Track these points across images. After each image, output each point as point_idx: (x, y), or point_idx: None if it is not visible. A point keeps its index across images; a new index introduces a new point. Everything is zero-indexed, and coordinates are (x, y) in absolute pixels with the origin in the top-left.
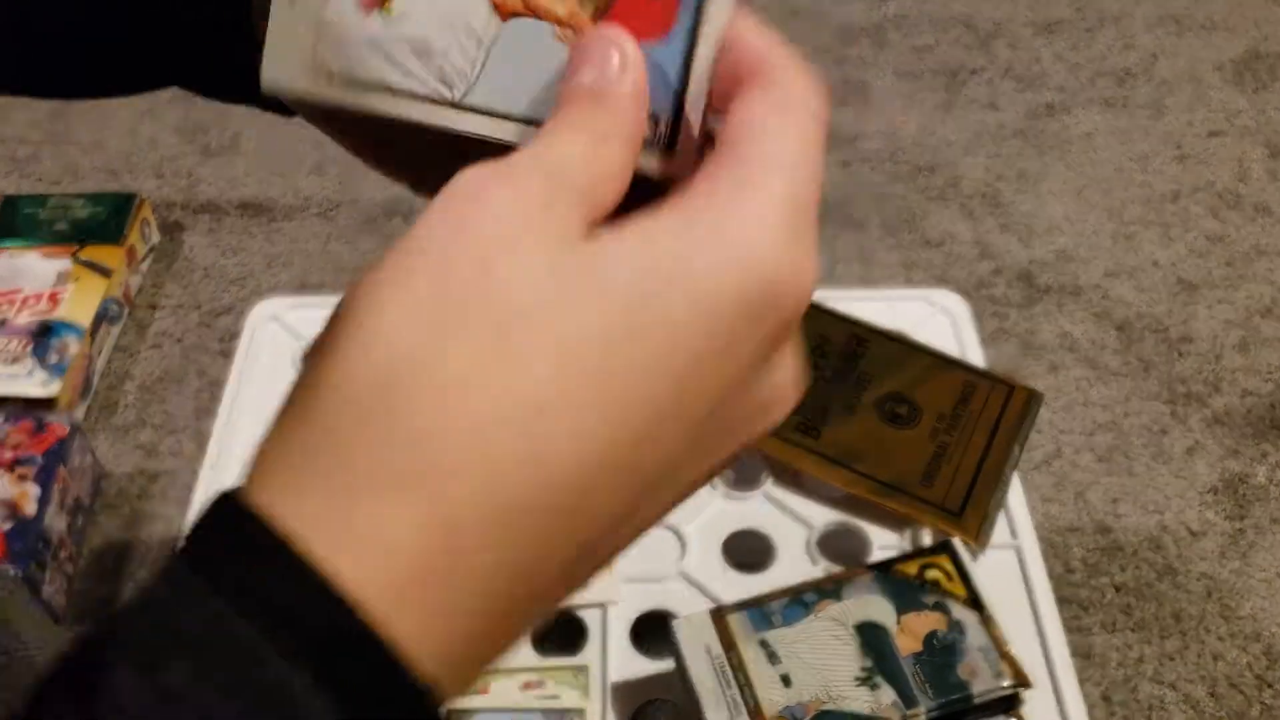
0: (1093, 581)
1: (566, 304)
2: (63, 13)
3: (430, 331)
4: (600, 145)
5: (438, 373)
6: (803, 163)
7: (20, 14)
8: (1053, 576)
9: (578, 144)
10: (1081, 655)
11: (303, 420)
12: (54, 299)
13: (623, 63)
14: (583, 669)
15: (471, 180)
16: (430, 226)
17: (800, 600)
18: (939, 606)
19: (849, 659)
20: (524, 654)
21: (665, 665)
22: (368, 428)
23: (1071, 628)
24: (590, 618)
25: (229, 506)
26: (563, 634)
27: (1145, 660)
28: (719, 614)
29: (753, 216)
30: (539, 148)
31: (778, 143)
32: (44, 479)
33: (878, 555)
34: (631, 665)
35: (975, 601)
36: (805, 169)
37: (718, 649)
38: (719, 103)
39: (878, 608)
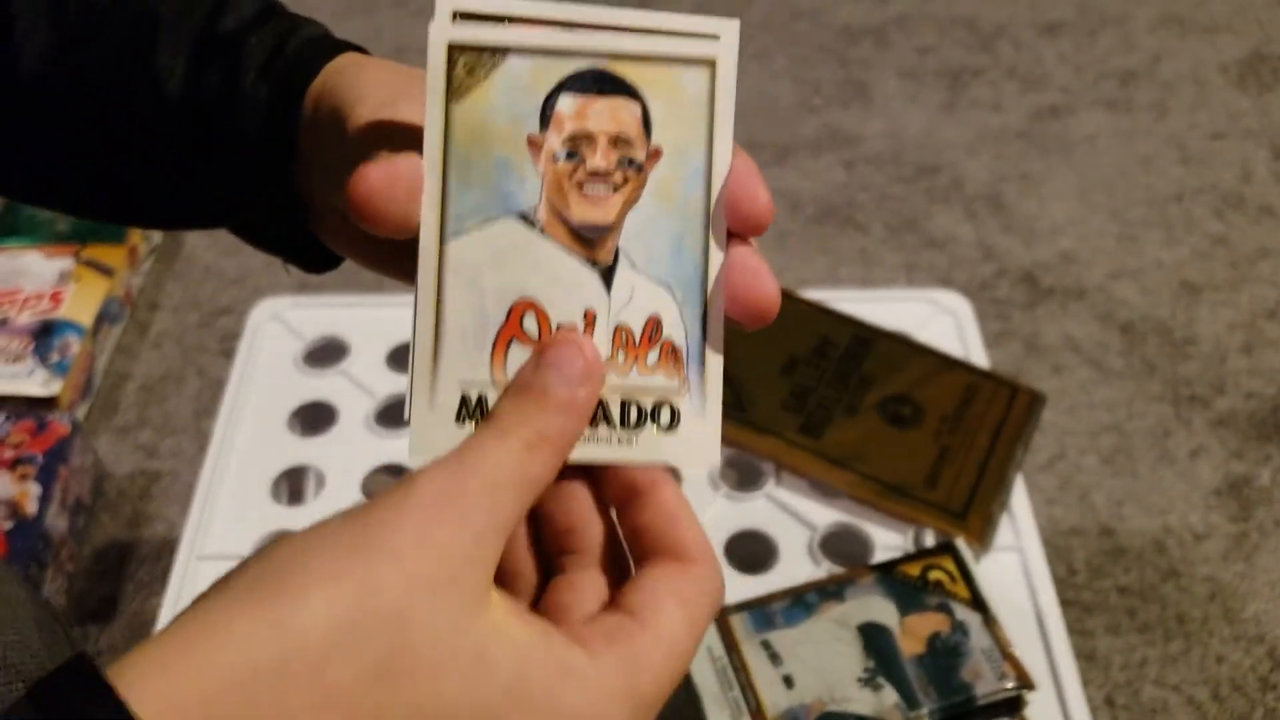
0: (1096, 584)
1: (451, 666)
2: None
3: (330, 651)
4: (535, 450)
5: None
6: (684, 654)
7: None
8: (1056, 579)
9: (513, 451)
10: (1085, 657)
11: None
12: (56, 298)
13: (586, 371)
14: None
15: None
16: (381, 534)
17: (802, 601)
18: (942, 608)
19: (851, 660)
20: None
21: None
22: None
23: (1075, 630)
24: None
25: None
26: None
27: (1149, 663)
28: (721, 615)
29: (616, 693)
30: (479, 458)
31: (670, 629)
32: (45, 478)
33: (880, 556)
34: None
35: (978, 603)
36: (681, 661)
37: (719, 650)
38: (636, 554)
39: (880, 609)
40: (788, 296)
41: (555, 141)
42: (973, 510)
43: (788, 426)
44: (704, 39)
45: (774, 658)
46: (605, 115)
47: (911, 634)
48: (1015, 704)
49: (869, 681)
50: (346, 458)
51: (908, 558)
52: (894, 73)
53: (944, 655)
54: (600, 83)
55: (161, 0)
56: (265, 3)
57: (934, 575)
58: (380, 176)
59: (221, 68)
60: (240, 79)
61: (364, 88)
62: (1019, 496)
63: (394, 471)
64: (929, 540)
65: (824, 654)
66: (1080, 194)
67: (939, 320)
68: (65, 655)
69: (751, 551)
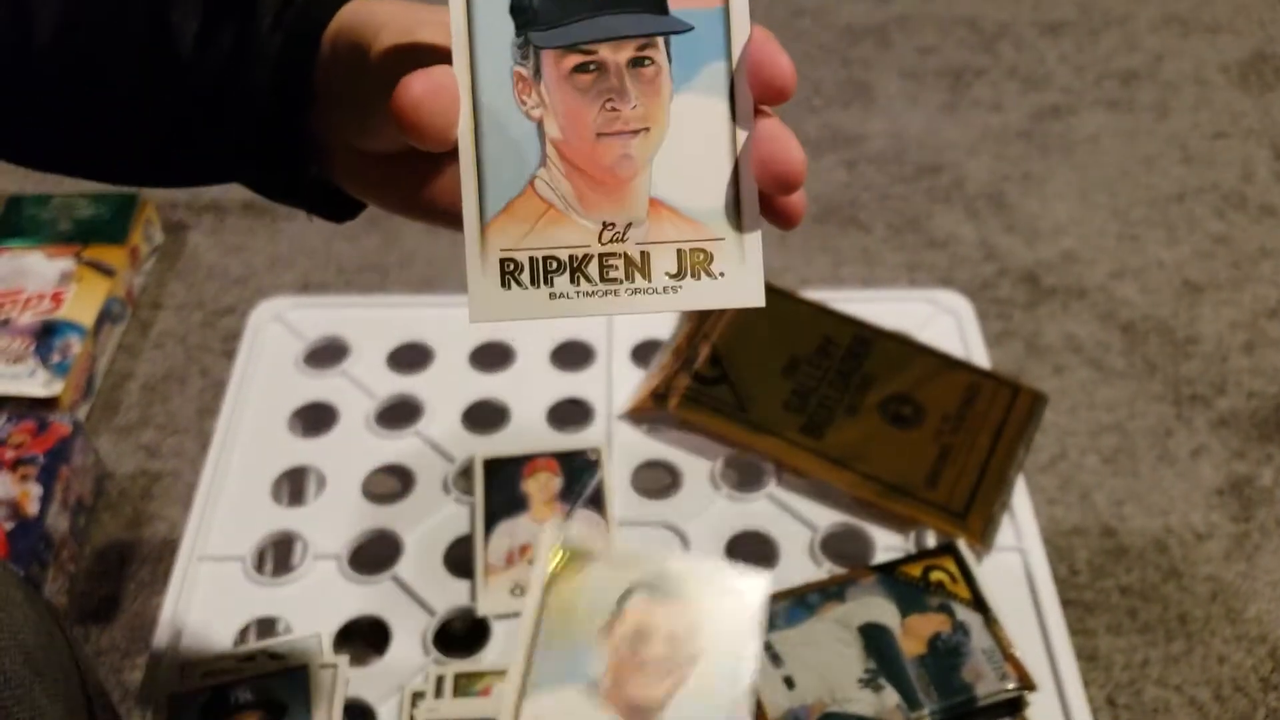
0: (1098, 584)
1: None
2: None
3: None
4: None
5: None
6: None
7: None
8: (1058, 579)
9: None
10: (1086, 658)
11: None
12: (57, 299)
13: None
14: None
15: None
16: None
17: (803, 602)
18: (943, 608)
19: (852, 661)
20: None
21: None
22: None
23: (1076, 630)
24: None
25: None
26: None
27: (1150, 663)
28: None
29: None
30: None
31: None
32: (46, 479)
33: (882, 557)
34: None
35: (979, 603)
36: None
37: None
38: None
39: (881, 609)
40: (789, 297)
41: (621, 632)
42: (974, 510)
43: (789, 426)
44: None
45: (775, 658)
46: (662, 617)
47: (913, 634)
48: (1016, 704)
49: (870, 682)
50: (347, 458)
51: (909, 558)
52: (895, 72)
53: (945, 656)
54: (660, 590)
55: None
56: None
57: (935, 576)
58: (424, 86)
59: (234, 23)
60: (254, 31)
61: (381, 19)
62: (1020, 496)
63: (395, 472)
64: (930, 541)
65: (825, 655)
66: (1082, 194)
67: (940, 320)
68: (63, 656)
69: (752, 552)
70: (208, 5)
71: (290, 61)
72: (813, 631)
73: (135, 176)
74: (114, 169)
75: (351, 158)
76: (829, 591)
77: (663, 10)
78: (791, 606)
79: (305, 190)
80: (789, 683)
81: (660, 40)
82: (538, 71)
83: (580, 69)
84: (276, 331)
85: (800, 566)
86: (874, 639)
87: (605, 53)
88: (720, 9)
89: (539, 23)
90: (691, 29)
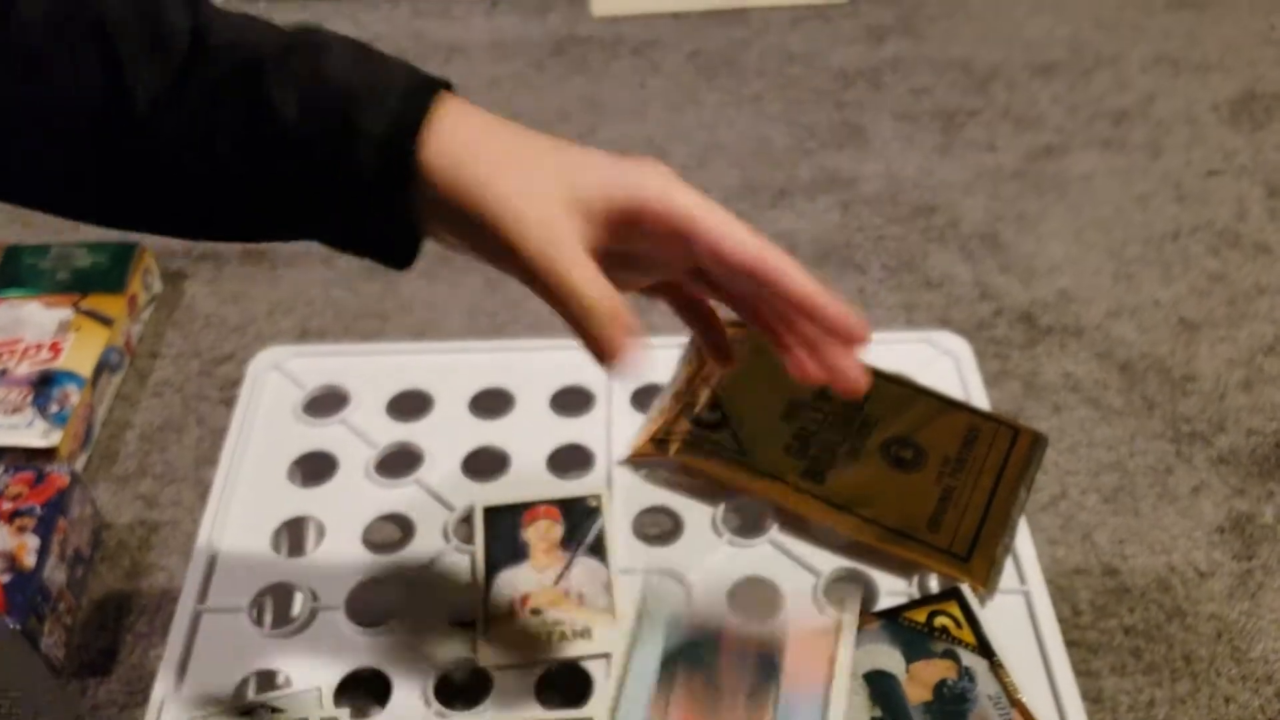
0: (1101, 624)
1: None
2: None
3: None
4: None
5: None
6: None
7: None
8: (1061, 619)
9: None
10: (1091, 699)
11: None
12: (55, 348)
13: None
14: None
15: None
16: None
17: None
18: (948, 654)
19: (858, 709)
20: (528, 708)
21: None
22: None
23: (1081, 671)
24: (596, 669)
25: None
26: (568, 686)
27: (1156, 704)
28: None
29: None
30: None
31: None
32: (43, 530)
33: (886, 602)
34: (639, 717)
35: (985, 648)
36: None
37: None
38: None
39: (886, 657)
40: None
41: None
42: (977, 554)
43: (790, 471)
44: None
45: None
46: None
47: (918, 681)
48: None
49: None
50: (347, 507)
51: (913, 604)
52: (889, 115)
53: (951, 702)
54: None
55: (262, 42)
56: (357, 44)
57: (939, 621)
58: (635, 349)
59: (328, 105)
60: (350, 118)
61: (513, 207)
62: (1023, 538)
63: (395, 520)
64: (934, 585)
65: None
66: (1076, 233)
67: (939, 361)
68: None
69: (755, 598)
70: (306, 90)
71: (392, 160)
72: None
73: (219, 235)
74: (204, 228)
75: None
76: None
77: None
78: None
79: (382, 245)
80: None
81: None
82: None
83: None
84: (275, 380)
85: (804, 612)
86: (879, 687)
87: None
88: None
89: None
90: None
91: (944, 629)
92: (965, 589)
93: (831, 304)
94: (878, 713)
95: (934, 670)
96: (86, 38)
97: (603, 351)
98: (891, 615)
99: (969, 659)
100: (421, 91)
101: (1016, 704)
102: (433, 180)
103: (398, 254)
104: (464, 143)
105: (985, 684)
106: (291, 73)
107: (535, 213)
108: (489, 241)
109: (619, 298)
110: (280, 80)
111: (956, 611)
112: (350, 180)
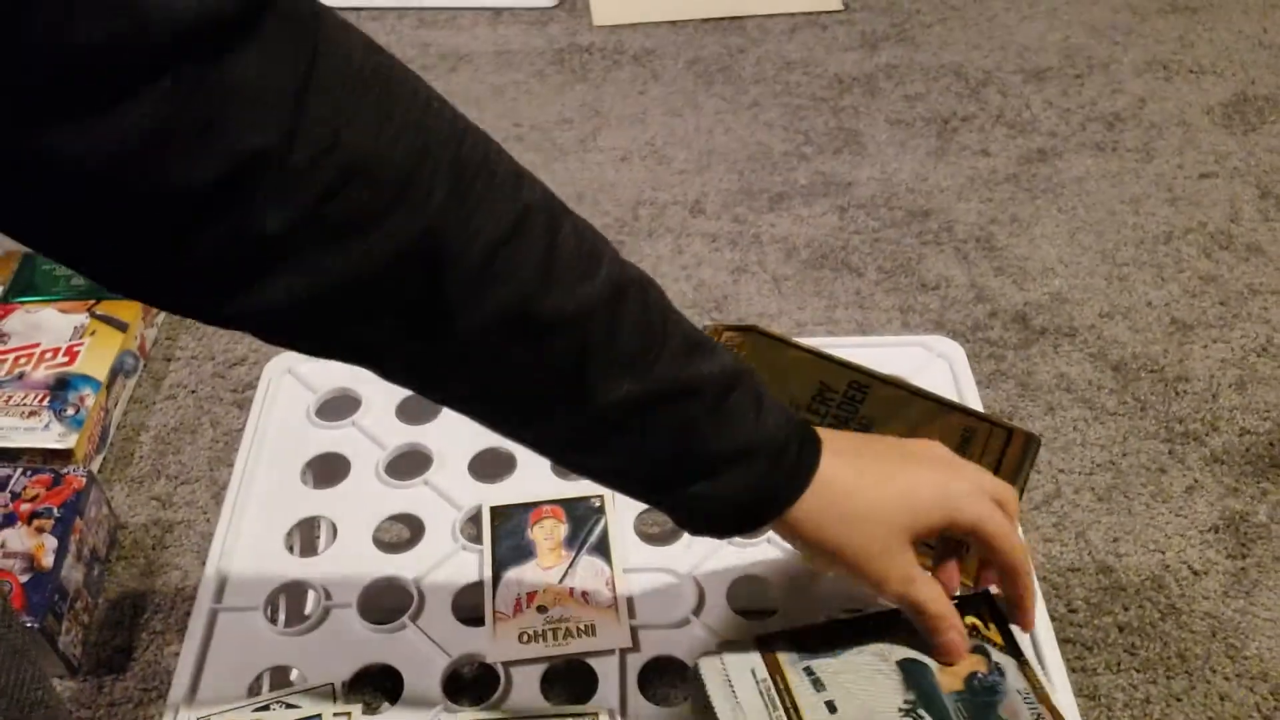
0: (1096, 621)
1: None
2: None
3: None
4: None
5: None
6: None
7: None
8: (1056, 617)
9: None
10: (1086, 696)
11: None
12: (71, 353)
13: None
14: (593, 716)
15: None
16: None
17: (840, 635)
18: (979, 649)
19: (892, 692)
20: (535, 703)
21: (676, 712)
22: None
23: (1076, 668)
24: (600, 665)
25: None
26: (574, 682)
27: (1152, 701)
28: (763, 641)
29: None
30: None
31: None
32: (61, 531)
33: (882, 603)
34: (643, 712)
35: (1013, 649)
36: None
37: (763, 672)
38: None
39: (920, 645)
40: (785, 344)
41: None
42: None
43: None
44: None
45: (816, 683)
46: None
47: (949, 672)
48: None
49: (910, 712)
50: (358, 508)
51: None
52: (884, 120)
53: (982, 694)
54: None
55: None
56: (756, 391)
57: (969, 619)
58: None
59: (740, 451)
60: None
61: (884, 558)
62: None
63: (405, 520)
64: None
65: (866, 684)
66: (1070, 235)
67: (934, 365)
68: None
69: (756, 597)
70: (725, 442)
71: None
72: (853, 662)
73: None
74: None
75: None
76: (865, 629)
77: None
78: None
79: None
80: (830, 707)
81: None
82: None
83: None
84: (288, 384)
85: (804, 611)
86: (912, 673)
87: None
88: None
89: None
90: None
91: (973, 628)
92: (993, 591)
93: (1029, 604)
94: (911, 696)
95: (965, 663)
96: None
97: (948, 650)
98: None
99: (998, 656)
100: (807, 452)
101: (1044, 700)
102: (793, 524)
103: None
104: (833, 501)
105: (1014, 679)
106: (719, 420)
107: (887, 561)
108: (849, 569)
109: (953, 608)
110: (711, 428)
111: (985, 612)
112: (729, 502)
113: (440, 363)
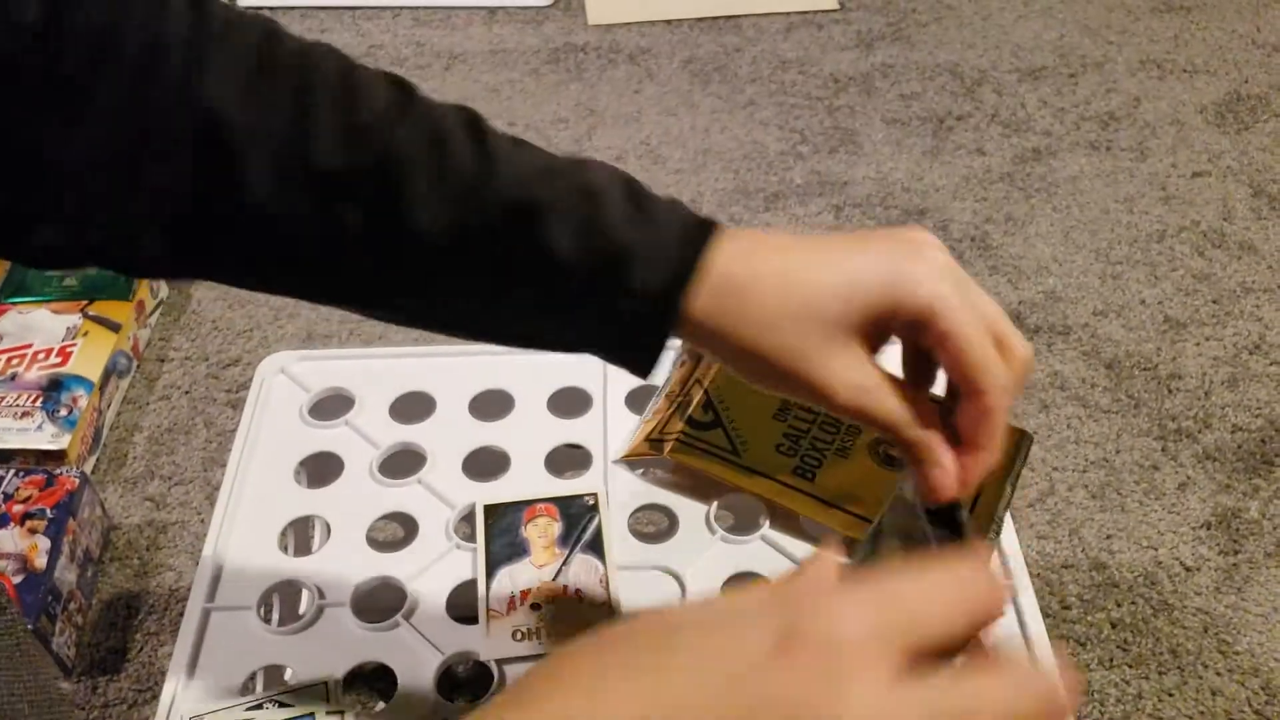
0: (1089, 618)
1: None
2: None
3: None
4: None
5: None
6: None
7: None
8: (1049, 613)
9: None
10: (1079, 692)
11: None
12: (64, 354)
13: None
14: None
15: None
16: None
17: None
18: None
19: None
20: None
21: None
22: None
23: (1069, 664)
24: None
25: None
26: None
27: (1144, 696)
28: None
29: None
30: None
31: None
32: (54, 532)
33: None
34: None
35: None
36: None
37: None
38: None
39: None
40: None
41: None
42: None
43: (781, 469)
44: None
45: None
46: None
47: None
48: None
49: None
50: (352, 507)
51: None
52: (880, 119)
53: None
54: None
55: (539, 181)
56: (628, 187)
57: None
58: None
59: (602, 257)
60: (621, 272)
61: (820, 360)
62: (1008, 535)
63: (399, 519)
64: None
65: None
66: (1064, 234)
67: None
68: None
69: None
70: (582, 240)
71: (670, 288)
72: None
73: (483, 338)
74: (465, 333)
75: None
76: None
77: None
78: None
79: (631, 362)
80: None
81: None
82: None
83: None
84: (282, 384)
85: None
86: None
87: None
88: None
89: None
90: None
91: None
92: None
93: (985, 447)
94: None
95: None
96: (373, 175)
97: (933, 488)
98: None
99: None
100: (692, 244)
101: None
102: (701, 330)
103: (644, 368)
104: (734, 291)
105: None
106: (569, 222)
107: (827, 361)
108: (786, 381)
109: (932, 433)
110: (559, 230)
111: None
112: (613, 319)
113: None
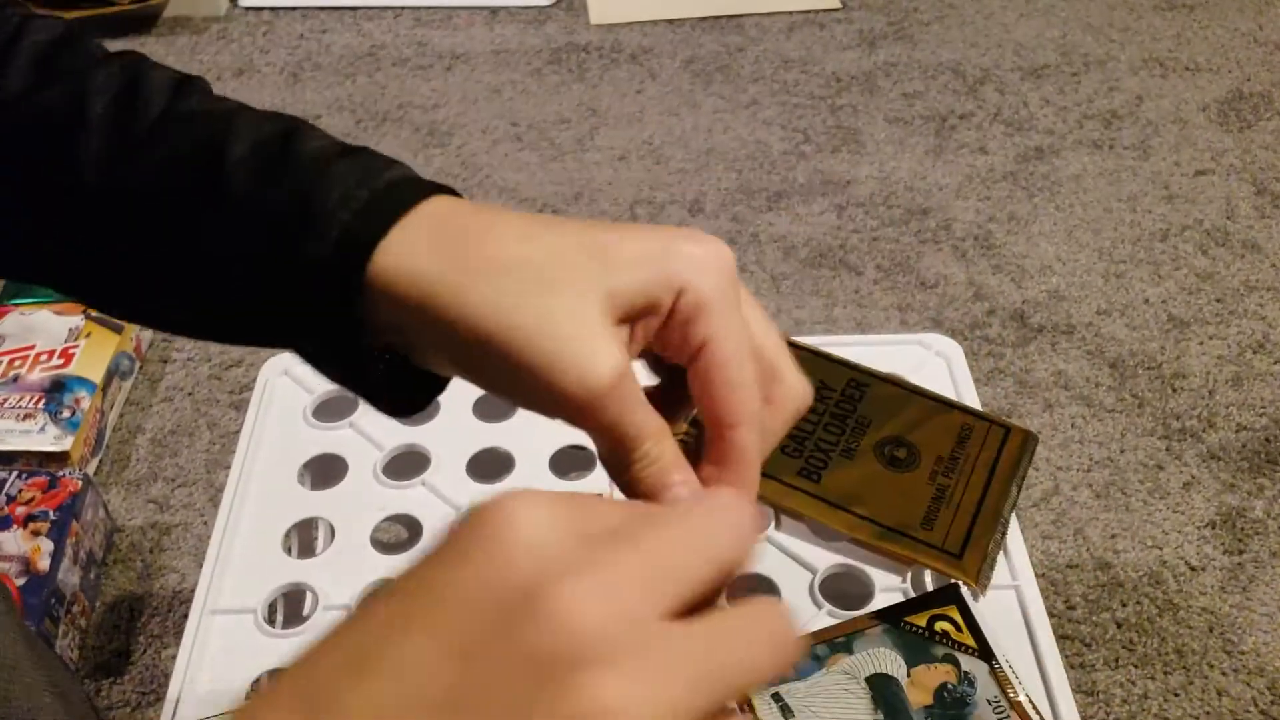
0: (1094, 618)
1: None
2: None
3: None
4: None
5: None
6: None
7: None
8: (1054, 613)
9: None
10: (1085, 692)
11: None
12: (66, 355)
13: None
14: None
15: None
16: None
17: (812, 653)
18: (949, 659)
19: (862, 712)
20: None
21: None
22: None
23: (1075, 664)
24: None
25: None
26: None
27: (1150, 696)
28: None
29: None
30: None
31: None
32: (57, 534)
33: (880, 598)
34: None
35: (985, 652)
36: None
37: (732, 703)
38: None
39: (888, 660)
40: (785, 344)
41: None
42: (969, 550)
43: (787, 470)
44: None
45: (784, 710)
46: None
47: (919, 685)
48: None
49: None
50: (356, 509)
51: (913, 606)
52: (882, 119)
53: (952, 706)
54: None
55: (235, 116)
56: (344, 144)
57: (940, 625)
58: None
59: (296, 185)
60: (318, 201)
61: (573, 330)
62: (1014, 535)
63: (403, 521)
64: (928, 580)
65: (835, 706)
66: (1067, 233)
67: (932, 363)
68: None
69: (755, 594)
70: (267, 164)
71: (356, 249)
72: (822, 684)
73: (184, 327)
74: (163, 317)
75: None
76: (836, 643)
77: None
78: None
79: (366, 370)
80: None
81: None
82: None
83: None
84: (285, 386)
85: (801, 609)
86: (882, 690)
87: None
88: None
89: None
90: None
91: (944, 634)
92: (965, 592)
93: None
94: (880, 716)
95: (935, 675)
96: (64, 115)
97: (646, 487)
98: (893, 620)
99: (969, 663)
100: (401, 186)
101: (1014, 705)
102: (406, 295)
103: (376, 392)
104: (455, 238)
105: (985, 688)
106: (257, 154)
107: (585, 340)
108: (510, 361)
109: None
110: (242, 159)
111: (956, 615)
112: (292, 278)
113: None
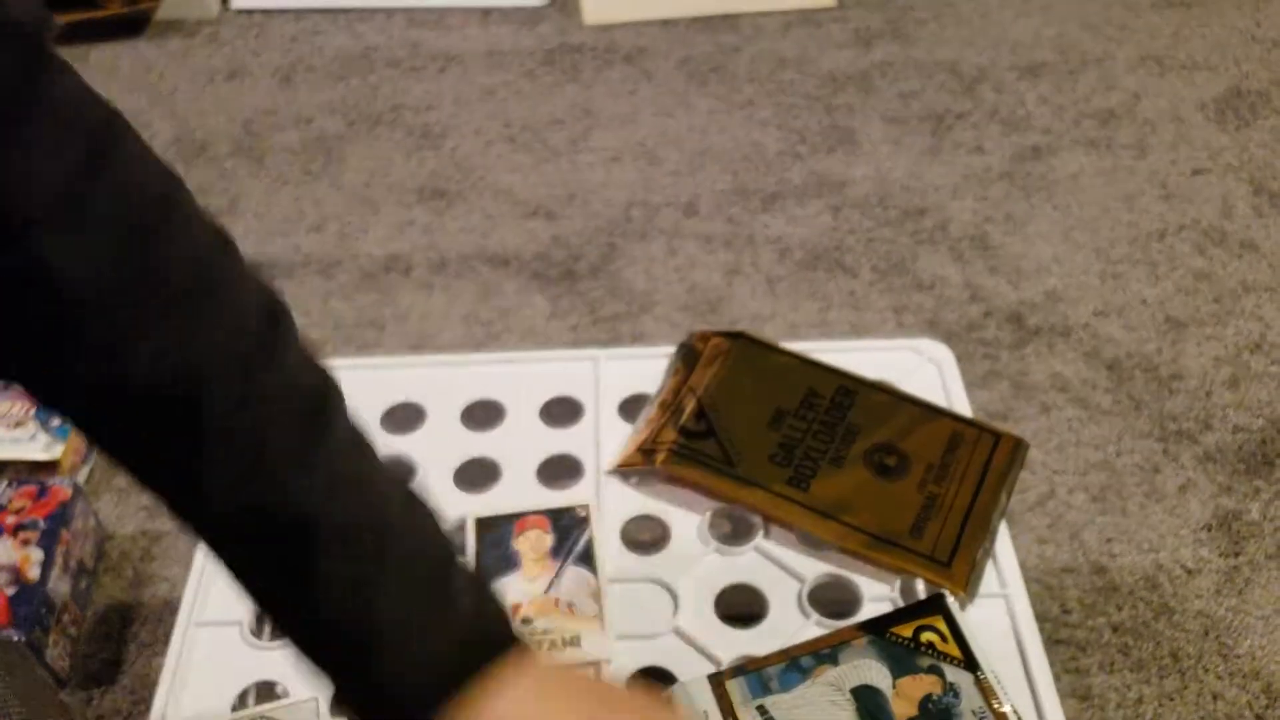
0: (1090, 622)
1: None
2: None
3: None
4: None
5: None
6: None
7: None
8: (1050, 618)
9: None
10: (1080, 696)
11: None
12: None
13: None
14: None
15: None
16: None
17: (797, 665)
18: (933, 669)
19: None
20: None
21: None
22: None
23: (1070, 669)
24: None
25: None
26: None
27: (1145, 700)
28: (717, 680)
29: None
30: None
31: None
32: (47, 543)
33: (869, 607)
34: None
35: (970, 662)
36: None
37: (717, 716)
38: None
39: (874, 672)
40: (773, 350)
41: None
42: (958, 559)
43: (776, 479)
44: None
45: None
46: None
47: (904, 697)
48: None
49: None
50: None
51: (899, 616)
52: (878, 118)
53: (936, 717)
54: None
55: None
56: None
57: (925, 636)
58: None
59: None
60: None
61: None
62: (1003, 542)
63: None
64: (918, 588)
65: (819, 718)
66: (1064, 233)
67: (924, 369)
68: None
69: (742, 604)
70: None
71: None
72: (807, 695)
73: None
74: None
75: None
76: (821, 654)
77: None
78: (785, 670)
79: None
80: None
81: None
82: None
83: None
84: None
85: (789, 618)
86: (866, 702)
87: None
88: None
89: None
90: None
91: (930, 644)
92: (951, 602)
93: None
94: None
95: (920, 686)
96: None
97: None
98: (879, 631)
99: (954, 674)
100: (464, 663)
101: (1000, 716)
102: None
103: None
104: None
105: (969, 699)
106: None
107: None
108: None
109: None
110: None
111: (942, 625)
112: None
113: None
